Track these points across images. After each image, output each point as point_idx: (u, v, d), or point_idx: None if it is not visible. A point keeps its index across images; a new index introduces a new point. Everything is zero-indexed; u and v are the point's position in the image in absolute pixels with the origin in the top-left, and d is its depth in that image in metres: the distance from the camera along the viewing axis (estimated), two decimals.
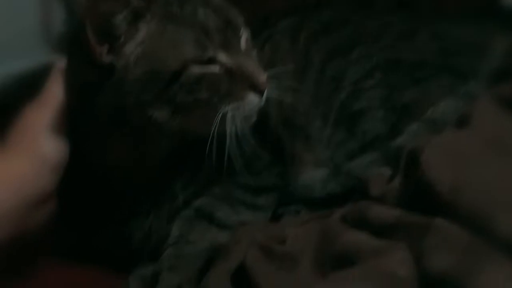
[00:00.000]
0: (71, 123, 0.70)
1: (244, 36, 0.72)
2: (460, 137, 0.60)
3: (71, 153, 0.70)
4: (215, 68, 0.67)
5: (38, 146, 0.67)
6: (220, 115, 0.67)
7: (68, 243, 0.77)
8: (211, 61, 0.67)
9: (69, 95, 0.69)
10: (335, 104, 0.82)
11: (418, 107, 0.79)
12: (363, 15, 0.90)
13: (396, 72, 0.82)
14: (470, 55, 0.79)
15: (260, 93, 0.69)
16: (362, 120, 0.80)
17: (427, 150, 0.58)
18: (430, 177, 0.55)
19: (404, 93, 0.80)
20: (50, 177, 0.67)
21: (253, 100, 0.69)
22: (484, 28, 0.82)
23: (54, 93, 0.69)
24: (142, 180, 0.73)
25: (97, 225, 0.74)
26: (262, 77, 0.69)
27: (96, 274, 0.73)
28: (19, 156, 0.67)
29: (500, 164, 0.55)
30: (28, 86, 0.76)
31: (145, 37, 0.66)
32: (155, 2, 0.67)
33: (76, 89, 0.68)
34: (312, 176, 0.81)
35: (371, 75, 0.82)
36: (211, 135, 0.66)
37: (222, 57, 0.67)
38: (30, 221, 0.66)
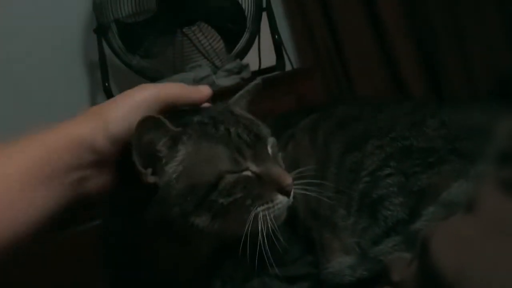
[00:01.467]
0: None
1: (270, 144, 0.81)
2: (465, 222, 0.65)
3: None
4: (247, 176, 0.76)
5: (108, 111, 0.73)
6: (253, 215, 0.75)
7: None
8: (243, 171, 0.76)
9: (121, 210, 0.79)
10: (355, 193, 0.89)
11: (433, 190, 0.85)
12: (373, 109, 0.99)
13: (409, 159, 0.88)
14: (476, 139, 0.85)
15: (287, 194, 0.77)
16: (382, 206, 0.87)
17: (435, 235, 0.64)
18: (436, 262, 0.60)
19: (419, 178, 0.87)
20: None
21: (281, 201, 0.77)
22: (488, 111, 0.88)
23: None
24: (185, 279, 0.81)
25: None
26: (288, 180, 0.77)
27: None
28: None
29: (502, 247, 0.60)
30: None
31: (184, 156, 0.75)
32: (191, 126, 0.77)
33: (126, 206, 0.78)
34: (341, 262, 0.87)
35: (386, 164, 0.89)
36: (244, 234, 0.74)
37: (252, 166, 0.77)
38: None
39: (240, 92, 0.86)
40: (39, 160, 0.67)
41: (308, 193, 0.81)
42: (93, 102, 1.89)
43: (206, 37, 1.78)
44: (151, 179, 0.74)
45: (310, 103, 1.61)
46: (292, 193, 0.78)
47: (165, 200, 0.74)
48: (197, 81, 1.63)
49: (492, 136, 0.85)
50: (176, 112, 0.79)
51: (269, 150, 0.80)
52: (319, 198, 0.90)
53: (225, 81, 1.69)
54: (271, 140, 0.82)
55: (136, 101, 0.74)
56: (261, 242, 0.74)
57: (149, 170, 0.74)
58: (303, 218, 0.89)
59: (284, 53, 1.82)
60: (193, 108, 0.81)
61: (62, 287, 1.27)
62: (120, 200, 0.78)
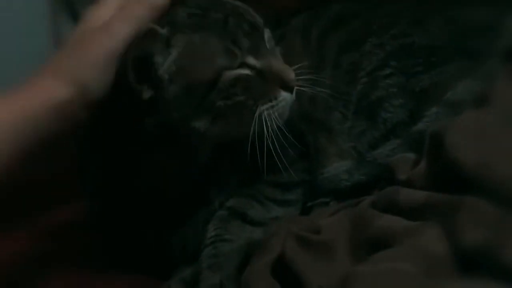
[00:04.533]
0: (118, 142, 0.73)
1: (267, 36, 0.74)
2: (481, 116, 0.61)
3: (113, 168, 0.74)
4: (246, 71, 0.70)
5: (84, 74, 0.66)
6: (257, 116, 0.70)
7: (107, 252, 0.80)
8: (242, 65, 0.70)
9: (113, 122, 0.72)
10: (353, 95, 0.84)
11: (436, 91, 0.80)
12: (372, 6, 0.92)
13: (410, 58, 0.83)
14: (484, 36, 0.80)
15: (291, 90, 0.72)
16: (381, 108, 0.82)
17: (450, 131, 0.60)
18: (455, 157, 0.56)
19: (421, 78, 0.82)
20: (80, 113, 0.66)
21: (285, 97, 0.72)
22: (495, 9, 0.83)
23: (118, 26, 0.68)
24: (182, 188, 0.75)
25: (136, 233, 0.76)
26: (291, 74, 0.71)
27: (136, 282, 0.76)
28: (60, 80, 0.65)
29: None
30: None
31: (177, 55, 0.69)
32: (179, 21, 0.70)
33: (120, 117, 0.71)
34: (337, 167, 0.83)
35: (386, 63, 0.83)
36: (251, 136, 0.69)
37: (251, 60, 0.70)
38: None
39: None
40: None
41: (303, 89, 0.75)
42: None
43: None
44: (147, 93, 0.68)
45: None
46: (294, 89, 0.72)
47: (162, 107, 0.68)
48: None
49: (500, 33, 0.80)
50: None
51: (267, 42, 0.73)
52: (314, 100, 0.84)
53: None
54: (267, 31, 0.75)
55: (110, 53, 0.66)
56: (269, 143, 0.69)
57: (145, 85, 0.68)
58: (296, 121, 0.84)
59: None
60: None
61: None
62: (116, 112, 0.71)
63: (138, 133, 0.70)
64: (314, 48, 0.89)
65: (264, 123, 0.69)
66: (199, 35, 0.69)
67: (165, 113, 0.68)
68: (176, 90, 0.68)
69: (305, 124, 0.85)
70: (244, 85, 0.69)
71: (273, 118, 0.70)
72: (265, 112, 0.70)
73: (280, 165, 0.73)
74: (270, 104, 0.70)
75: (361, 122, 0.83)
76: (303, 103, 0.84)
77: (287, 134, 0.74)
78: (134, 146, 0.72)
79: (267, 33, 0.75)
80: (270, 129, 0.69)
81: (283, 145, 0.74)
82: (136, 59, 0.66)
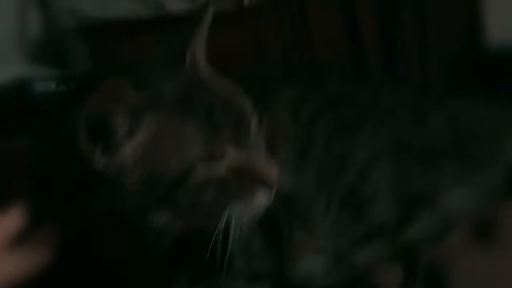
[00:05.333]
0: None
1: (253, 124, 0.66)
2: (490, 259, 0.54)
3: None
4: (223, 166, 0.61)
5: None
6: (226, 215, 0.61)
7: None
8: (220, 158, 0.61)
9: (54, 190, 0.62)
10: (339, 186, 0.76)
11: (430, 194, 0.74)
12: (373, 89, 0.85)
13: (406, 156, 0.77)
14: (486, 141, 0.75)
15: (270, 189, 0.63)
16: (369, 205, 0.75)
17: (455, 268, 0.52)
18: None
19: (414, 179, 0.76)
20: None
21: (263, 198, 0.63)
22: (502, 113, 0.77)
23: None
24: (139, 274, 0.66)
25: None
26: (273, 172, 0.63)
27: None
28: None
29: None
30: None
31: (146, 137, 0.59)
32: (161, 97, 0.61)
33: (63, 187, 0.62)
34: (312, 263, 0.75)
35: (380, 157, 0.77)
36: (215, 233, 0.61)
37: (231, 153, 0.61)
38: None
39: (198, 33, 0.68)
40: None
41: (283, 178, 0.67)
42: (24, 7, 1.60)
43: None
44: (100, 160, 0.58)
45: (263, 42, 1.48)
46: (274, 189, 0.64)
47: (117, 189, 0.59)
48: (145, 1, 1.41)
49: (505, 141, 0.75)
50: (144, 74, 0.63)
51: (252, 132, 0.65)
52: (295, 185, 0.76)
53: (176, 6, 1.44)
54: (253, 119, 0.67)
55: None
56: (232, 242, 0.62)
57: (99, 146, 0.58)
58: (273, 209, 0.75)
59: None
60: (165, 69, 0.65)
61: None
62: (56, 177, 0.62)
63: (86, 210, 0.60)
64: (304, 126, 0.81)
65: (233, 222, 0.61)
66: (178, 120, 0.60)
67: (118, 200, 0.59)
68: (136, 177, 0.59)
69: (282, 209, 0.76)
70: (218, 184, 0.60)
71: (244, 219, 0.62)
72: (237, 212, 0.62)
73: (245, 255, 0.66)
74: (243, 204, 0.62)
75: (344, 216, 0.75)
76: (284, 190, 0.75)
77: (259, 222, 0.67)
78: (83, 221, 0.62)
79: (253, 120, 0.66)
80: (237, 229, 0.62)
81: (252, 234, 0.67)
82: (90, 115, 0.56)
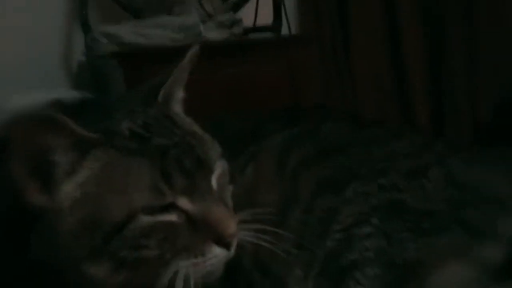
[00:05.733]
0: None
1: (218, 172, 0.61)
2: None
3: None
4: (171, 217, 0.55)
5: None
6: (171, 273, 0.55)
7: None
8: (168, 208, 0.55)
9: None
10: (321, 252, 0.68)
11: (422, 267, 0.64)
12: (366, 139, 0.76)
13: (397, 220, 0.67)
14: (488, 211, 0.64)
15: (227, 246, 0.57)
16: (352, 276, 0.66)
17: None
18: None
19: (405, 247, 0.66)
20: None
21: (217, 255, 0.57)
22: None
23: None
24: None
25: None
26: (231, 227, 0.57)
27: None
28: None
29: None
30: None
31: (88, 177, 0.55)
32: (117, 135, 0.57)
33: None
34: None
35: (368, 220, 0.68)
36: None
37: (184, 202, 0.56)
38: None
39: (176, 72, 0.65)
40: None
41: (260, 242, 0.61)
42: (69, 32, 1.65)
43: None
44: (37, 198, 0.55)
45: (301, 74, 1.46)
46: (234, 245, 0.58)
47: (51, 233, 0.54)
48: (182, 29, 1.42)
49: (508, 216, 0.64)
50: (100, 107, 0.61)
51: (213, 182, 0.60)
52: (272, 249, 0.69)
53: (214, 34, 1.49)
54: (219, 167, 0.61)
55: None
56: None
57: (35, 183, 0.55)
58: (248, 269, 0.69)
59: (283, 13, 1.64)
60: (127, 104, 0.62)
61: None
62: None
63: (19, 253, 0.57)
64: (288, 179, 0.73)
65: (178, 284, 0.55)
66: (127, 161, 0.55)
67: (54, 245, 0.55)
68: (74, 222, 0.54)
69: (258, 275, 0.69)
70: (163, 236, 0.55)
71: (193, 279, 0.55)
72: (184, 270, 0.55)
73: None
74: (193, 260, 0.56)
75: (323, 287, 0.67)
76: (260, 250, 0.69)
77: (230, 282, 0.62)
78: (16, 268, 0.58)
79: (219, 168, 0.61)
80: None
81: None
82: (30, 146, 0.53)
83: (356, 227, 0.68)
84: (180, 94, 0.67)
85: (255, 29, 1.67)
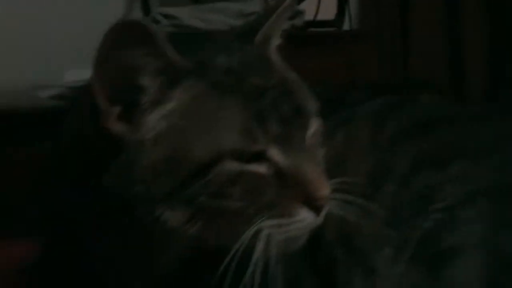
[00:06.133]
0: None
1: (313, 128, 0.55)
2: None
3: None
4: (260, 168, 0.50)
5: None
6: (253, 230, 0.49)
7: None
8: (257, 156, 0.50)
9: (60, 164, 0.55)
10: (416, 232, 0.60)
11: None
12: (475, 116, 0.68)
13: (508, 205, 0.59)
14: None
15: (317, 210, 0.51)
16: (451, 263, 0.58)
17: None
18: None
19: None
20: None
21: (305, 219, 0.52)
22: None
23: None
24: None
25: None
26: (324, 189, 0.51)
27: None
28: None
29: None
30: None
31: (176, 108, 0.50)
32: (208, 68, 0.51)
33: (70, 160, 0.54)
34: None
35: (472, 201, 0.59)
36: (233, 253, 0.49)
37: (275, 153, 0.50)
38: None
39: (274, 15, 0.58)
40: None
41: (346, 214, 0.55)
42: (129, 13, 1.64)
43: None
44: (117, 125, 0.50)
45: (360, 70, 1.44)
46: (324, 211, 0.52)
47: (128, 167, 0.49)
48: (241, 16, 1.40)
49: None
50: (193, 36, 0.56)
51: (309, 136, 0.54)
52: (360, 224, 0.61)
53: None
54: (315, 123, 0.55)
55: None
56: (251, 272, 0.49)
57: (117, 109, 0.50)
58: (329, 243, 0.62)
59: (346, 9, 1.64)
60: (222, 39, 0.56)
61: None
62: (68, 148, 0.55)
63: (88, 195, 0.52)
64: (383, 149, 0.66)
65: (258, 245, 0.49)
66: (219, 96, 0.50)
67: (129, 180, 0.49)
68: (155, 158, 0.49)
69: (341, 251, 0.62)
70: (248, 188, 0.49)
71: (276, 243, 0.50)
72: (267, 231, 0.50)
73: None
74: (278, 221, 0.50)
75: (416, 273, 0.59)
76: (346, 223, 0.61)
77: (309, 256, 0.56)
78: (81, 213, 0.54)
79: (314, 124, 0.55)
80: (263, 254, 0.49)
81: (298, 272, 0.56)
82: (115, 64, 0.48)
83: (460, 209, 0.59)
84: (277, 40, 0.61)
85: (316, 22, 1.65)
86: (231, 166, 0.49)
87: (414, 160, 0.63)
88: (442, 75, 1.76)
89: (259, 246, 0.49)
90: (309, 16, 1.61)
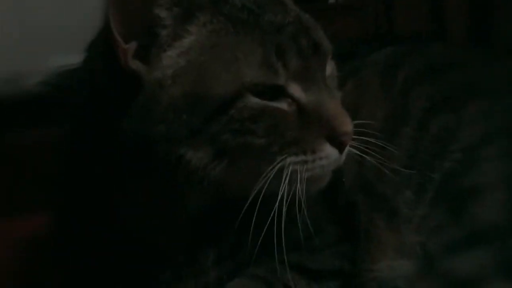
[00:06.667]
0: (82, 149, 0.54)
1: (329, 70, 0.54)
2: None
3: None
4: (282, 105, 0.48)
5: None
6: (277, 168, 0.48)
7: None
8: (279, 92, 0.49)
9: (80, 111, 0.54)
10: (436, 173, 0.60)
11: None
12: (480, 57, 0.68)
13: None
14: None
15: (341, 146, 0.50)
16: (474, 200, 0.57)
17: None
18: None
19: None
20: None
21: (329, 155, 0.50)
22: None
23: None
24: (164, 241, 0.55)
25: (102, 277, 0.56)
26: (347, 125, 0.50)
27: None
28: None
29: None
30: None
31: (194, 44, 0.48)
32: (220, 3, 0.50)
33: (90, 105, 0.52)
34: (394, 268, 0.60)
35: (492, 140, 0.59)
36: (257, 194, 0.48)
37: (296, 89, 0.49)
38: None
39: None
40: None
41: (365, 156, 0.54)
42: None
43: None
44: (134, 63, 0.48)
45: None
46: (346, 149, 0.51)
47: (148, 108, 0.48)
48: None
49: None
50: None
51: (327, 75, 0.53)
52: (379, 168, 0.60)
53: None
54: (330, 65, 0.54)
55: None
56: (277, 211, 0.48)
57: (133, 45, 0.48)
58: (349, 189, 0.61)
59: None
60: None
61: None
62: (87, 94, 0.52)
63: (108, 140, 0.50)
64: (396, 95, 0.65)
65: (284, 182, 0.48)
66: (237, 31, 0.49)
67: (148, 122, 0.48)
68: (174, 95, 0.47)
69: (361, 195, 0.61)
70: (271, 124, 0.48)
71: (300, 180, 0.48)
72: (291, 167, 0.48)
73: (308, 244, 0.53)
74: (302, 157, 0.49)
75: (439, 213, 0.59)
76: (365, 168, 0.61)
77: (328, 202, 0.55)
78: (104, 163, 0.52)
79: (330, 66, 0.54)
80: (287, 192, 0.48)
81: (318, 217, 0.55)
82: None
83: (481, 148, 0.59)
84: None
85: None
86: (252, 101, 0.47)
87: (430, 103, 0.63)
88: (424, 29, 1.75)
89: (284, 183, 0.48)
90: None
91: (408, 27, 1.71)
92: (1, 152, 1.01)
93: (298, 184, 0.49)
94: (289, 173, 0.49)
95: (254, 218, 0.49)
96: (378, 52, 0.70)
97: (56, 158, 0.61)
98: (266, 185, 0.48)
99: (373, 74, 0.67)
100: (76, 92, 0.55)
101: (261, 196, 0.48)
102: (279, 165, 0.48)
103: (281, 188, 0.48)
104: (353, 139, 0.53)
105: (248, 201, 0.48)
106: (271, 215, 0.48)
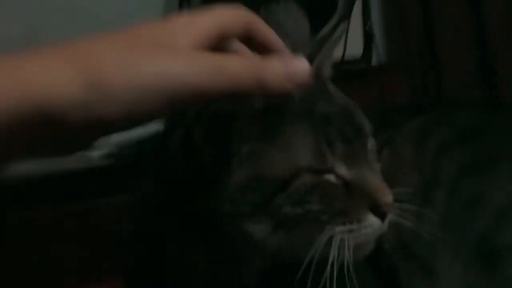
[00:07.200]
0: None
1: (370, 145, 0.59)
2: None
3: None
4: (330, 176, 0.55)
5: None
6: (327, 236, 0.53)
7: None
8: (327, 171, 0.55)
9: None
10: (470, 234, 0.64)
11: None
12: (504, 120, 0.72)
13: None
14: None
15: (383, 216, 0.55)
16: (506, 260, 0.61)
17: None
18: None
19: None
20: None
21: (372, 224, 0.55)
22: None
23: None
24: None
25: None
26: (387, 196, 0.54)
27: None
28: None
29: None
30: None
31: (255, 133, 0.55)
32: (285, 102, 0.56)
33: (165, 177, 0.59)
34: None
35: None
36: (310, 259, 0.53)
37: (342, 170, 0.55)
38: None
39: (325, 46, 0.62)
40: None
41: (403, 221, 0.57)
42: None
43: (290, 15, 1.57)
44: (207, 149, 0.55)
45: (394, 100, 1.43)
46: (388, 218, 0.55)
47: (216, 190, 0.54)
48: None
49: None
50: None
51: (369, 152, 0.58)
52: (416, 231, 0.65)
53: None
54: (371, 142, 0.59)
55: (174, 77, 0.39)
56: (327, 276, 0.52)
57: (209, 147, 0.55)
58: (390, 252, 0.65)
59: (374, 44, 1.60)
60: None
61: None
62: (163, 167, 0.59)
63: (174, 209, 0.57)
64: (429, 162, 0.70)
65: (332, 250, 0.52)
66: (291, 123, 0.55)
67: (217, 200, 0.54)
68: (240, 178, 0.54)
69: (401, 258, 0.65)
70: (324, 193, 0.53)
71: (348, 247, 0.53)
72: (339, 236, 0.53)
73: None
74: (349, 226, 0.54)
75: (474, 272, 0.62)
76: (403, 231, 0.65)
77: (373, 267, 0.59)
78: (164, 224, 0.59)
79: (370, 142, 0.59)
80: (336, 259, 0.52)
81: (365, 282, 0.57)
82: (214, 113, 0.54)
83: (509, 208, 0.63)
84: (327, 70, 0.65)
85: (345, 62, 1.69)
86: (308, 178, 0.53)
87: (460, 168, 0.67)
88: (475, 93, 1.73)
89: (333, 250, 0.53)
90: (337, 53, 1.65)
91: (458, 91, 1.71)
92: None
93: (346, 251, 0.53)
94: (338, 241, 0.53)
95: (309, 281, 0.53)
96: (411, 121, 0.75)
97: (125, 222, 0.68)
98: (317, 252, 0.53)
99: (407, 142, 0.72)
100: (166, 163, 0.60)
101: (314, 261, 0.53)
102: (328, 233, 0.53)
103: (331, 254, 0.53)
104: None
105: (304, 265, 0.53)
106: (323, 280, 0.53)
